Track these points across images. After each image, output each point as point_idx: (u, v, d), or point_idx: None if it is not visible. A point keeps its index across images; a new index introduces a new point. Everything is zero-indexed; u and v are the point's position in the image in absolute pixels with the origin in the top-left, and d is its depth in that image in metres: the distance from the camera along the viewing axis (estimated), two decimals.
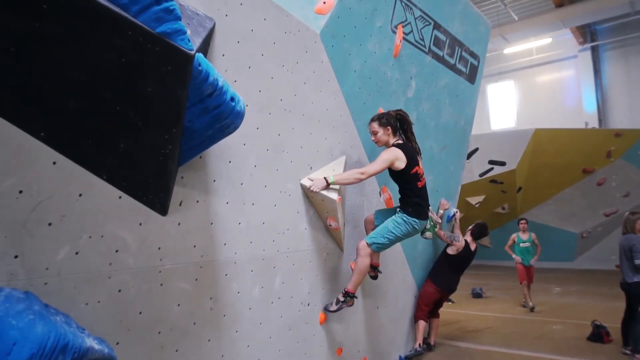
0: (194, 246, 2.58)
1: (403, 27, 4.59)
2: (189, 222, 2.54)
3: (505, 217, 14.65)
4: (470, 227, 6.54)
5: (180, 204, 2.47)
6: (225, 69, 2.76)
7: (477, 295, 10.26)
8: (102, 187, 2.07)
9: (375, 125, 3.91)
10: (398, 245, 5.13)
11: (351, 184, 3.76)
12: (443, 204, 5.93)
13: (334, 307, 3.71)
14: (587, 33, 17.66)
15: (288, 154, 3.37)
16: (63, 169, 1.94)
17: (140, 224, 2.27)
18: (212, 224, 2.70)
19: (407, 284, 5.50)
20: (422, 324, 5.62)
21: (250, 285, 2.99)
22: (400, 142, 3.91)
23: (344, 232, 3.99)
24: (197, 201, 2.59)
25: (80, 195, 2.01)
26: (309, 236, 3.61)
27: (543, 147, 13.08)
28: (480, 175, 13.42)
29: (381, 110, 4.30)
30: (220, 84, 2.10)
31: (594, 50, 17.72)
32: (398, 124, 3.95)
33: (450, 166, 6.05)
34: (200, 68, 1.96)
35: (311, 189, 3.47)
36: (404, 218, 3.78)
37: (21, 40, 1.62)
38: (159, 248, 2.37)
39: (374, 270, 4.19)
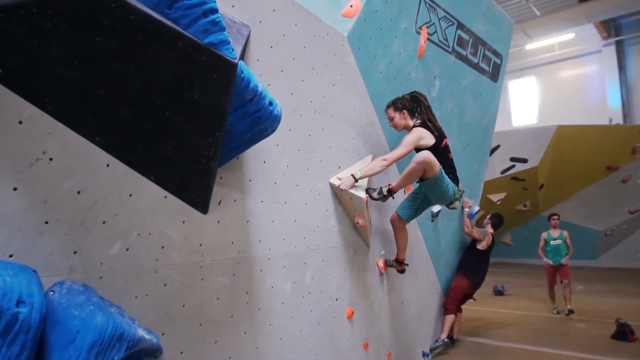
0: (232, 243, 2.71)
1: (427, 27, 4.66)
2: (227, 220, 2.67)
3: (526, 214, 14.57)
4: (487, 219, 6.61)
5: (219, 203, 2.61)
6: (260, 73, 2.88)
7: (499, 292, 10.25)
8: (150, 187, 2.21)
9: (390, 111, 4.05)
10: (422, 243, 5.23)
11: (377, 173, 3.83)
12: (467, 202, 5.99)
13: (375, 195, 3.79)
14: (611, 27, 17.37)
15: (318, 154, 3.48)
16: (115, 171, 2.08)
17: (184, 222, 2.40)
18: (248, 221, 2.83)
19: (430, 282, 5.58)
20: (451, 317, 5.74)
21: (283, 281, 3.12)
22: (419, 122, 4.02)
23: (370, 230, 4.09)
24: (235, 200, 2.72)
25: (130, 195, 2.15)
26: (337, 233, 3.72)
27: (565, 144, 12.96)
28: (502, 173, 13.36)
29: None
30: (259, 89, 2.23)
31: (619, 45, 17.43)
32: (414, 105, 4.07)
33: (473, 164, 6.10)
34: (242, 75, 2.08)
35: (340, 187, 3.58)
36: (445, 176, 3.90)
37: (83, 53, 1.76)
38: (200, 244, 2.51)
39: (400, 265, 4.32)
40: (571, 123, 14.64)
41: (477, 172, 6.29)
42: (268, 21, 3.01)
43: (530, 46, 17.63)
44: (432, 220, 5.41)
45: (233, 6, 2.76)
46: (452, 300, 5.84)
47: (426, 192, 4.08)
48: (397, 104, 4.02)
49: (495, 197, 13.76)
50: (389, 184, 3.86)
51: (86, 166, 1.99)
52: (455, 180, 4.06)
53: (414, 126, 4.00)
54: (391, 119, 4.06)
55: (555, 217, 8.89)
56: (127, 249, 2.14)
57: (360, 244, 4.03)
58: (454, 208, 4.27)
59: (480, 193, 6.62)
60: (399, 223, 4.26)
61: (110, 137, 2.00)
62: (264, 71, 2.95)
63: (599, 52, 17.76)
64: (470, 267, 6.08)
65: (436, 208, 5.39)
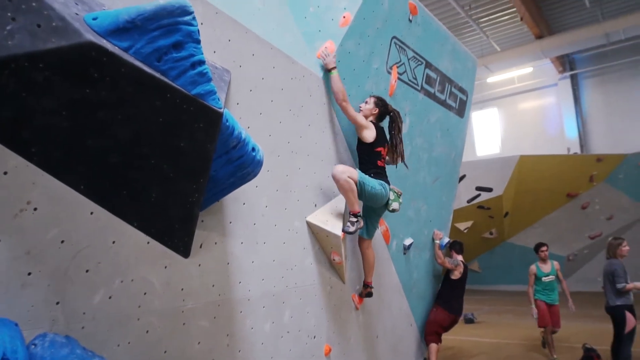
0: (213, 285, 2.71)
1: (397, 67, 4.84)
2: (208, 263, 2.68)
3: (493, 241, 14.92)
4: (450, 250, 6.69)
5: (200, 246, 2.62)
6: (240, 116, 2.94)
7: (469, 320, 10.38)
8: (133, 233, 2.21)
9: (371, 100, 4.26)
10: (395, 276, 5.31)
11: (334, 92, 3.93)
12: (437, 234, 6.14)
13: (351, 228, 3.79)
14: (566, 62, 18.32)
15: (295, 193, 3.54)
16: (99, 218, 2.08)
17: (166, 267, 2.41)
18: (228, 263, 2.84)
19: (404, 314, 5.64)
20: (433, 346, 6.01)
21: (262, 321, 3.12)
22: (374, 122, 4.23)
23: (346, 266, 4.14)
24: (216, 243, 2.74)
25: (113, 242, 2.15)
26: (314, 271, 3.76)
27: (528, 173, 13.46)
28: (468, 202, 13.71)
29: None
30: (243, 136, 2.29)
31: (573, 79, 18.36)
32: (387, 117, 4.29)
33: (442, 197, 6.27)
34: (227, 124, 2.14)
35: (322, 54, 3.87)
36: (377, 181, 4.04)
37: (73, 105, 1.78)
38: (182, 289, 2.51)
39: (366, 288, 4.36)
40: (532, 152, 15.24)
41: (446, 204, 6.46)
42: (248, 65, 3.09)
43: (491, 79, 18.37)
44: (404, 253, 5.51)
45: (215, 52, 2.83)
46: (430, 332, 6.03)
47: (361, 199, 4.13)
48: (379, 103, 4.26)
49: (463, 226, 14.07)
50: (350, 212, 3.90)
51: (70, 215, 1.99)
52: (383, 177, 4.17)
53: (371, 121, 4.22)
54: (366, 102, 4.28)
55: (544, 248, 7.37)
56: (110, 297, 2.13)
57: (336, 281, 4.07)
58: (393, 210, 4.28)
59: (450, 224, 6.78)
60: (362, 242, 4.31)
61: (96, 185, 2.01)
62: (244, 114, 3.01)
63: (556, 85, 18.64)
64: (447, 298, 6.26)
65: (408, 241, 5.50)
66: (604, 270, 6.01)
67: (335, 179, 3.77)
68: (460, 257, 6.62)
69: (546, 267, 7.25)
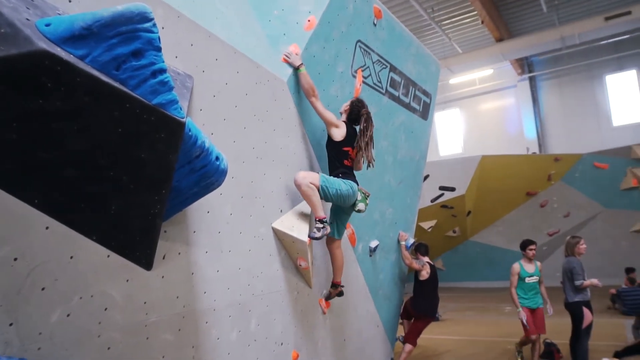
0: (177, 297, 2.64)
1: (362, 71, 4.85)
2: (171, 274, 2.61)
3: (456, 239, 15.24)
4: (415, 250, 6.89)
5: (163, 258, 2.55)
6: (203, 122, 2.88)
7: (434, 318, 10.53)
8: (92, 247, 2.12)
9: (348, 103, 4.32)
10: (361, 277, 5.32)
11: (303, 90, 3.98)
12: (402, 235, 6.21)
13: (317, 234, 3.74)
14: (524, 65, 18.89)
15: (260, 200, 3.50)
16: (55, 233, 1.99)
17: (127, 280, 2.33)
18: (192, 274, 2.77)
19: (370, 315, 5.66)
20: (409, 346, 6.53)
21: (228, 331, 3.07)
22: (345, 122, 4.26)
23: (313, 271, 4.12)
24: (179, 253, 2.67)
25: (71, 257, 2.06)
26: (281, 277, 3.72)
27: (490, 173, 13.81)
28: (432, 201, 13.95)
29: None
30: (206, 145, 2.23)
31: (532, 80, 18.95)
32: (360, 118, 4.26)
33: (407, 199, 6.33)
34: (190, 133, 2.08)
35: (287, 55, 3.87)
36: (338, 179, 4.03)
37: (24, 116, 1.69)
38: (145, 302, 2.43)
39: (336, 288, 4.33)
40: (493, 152, 15.63)
41: (411, 206, 6.53)
42: (211, 70, 3.03)
43: (453, 80, 18.74)
44: (370, 256, 5.54)
45: (176, 57, 2.76)
46: (403, 312, 6.79)
47: (329, 201, 4.12)
48: (354, 102, 4.29)
49: (426, 225, 14.30)
50: (315, 217, 3.84)
51: (24, 231, 1.89)
52: (350, 176, 4.17)
53: (343, 120, 4.26)
54: (346, 105, 4.34)
55: (533, 246, 6.70)
56: (68, 315, 2.04)
57: (303, 286, 4.05)
58: (359, 211, 4.28)
59: (414, 225, 6.86)
60: (332, 242, 4.28)
61: (51, 198, 1.92)
62: (207, 120, 2.95)
63: (515, 87, 19.20)
64: (415, 296, 6.70)
65: (374, 243, 5.53)
66: (563, 268, 6.20)
67: (296, 185, 3.74)
68: (426, 259, 6.77)
69: (530, 267, 6.59)
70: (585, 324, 5.97)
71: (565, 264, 6.21)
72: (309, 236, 3.72)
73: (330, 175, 4.10)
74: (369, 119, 4.29)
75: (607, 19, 13.29)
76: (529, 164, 14.34)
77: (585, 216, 14.25)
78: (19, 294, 1.86)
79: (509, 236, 14.76)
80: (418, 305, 6.67)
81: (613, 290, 10.44)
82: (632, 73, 17.44)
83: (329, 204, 4.31)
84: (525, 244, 6.74)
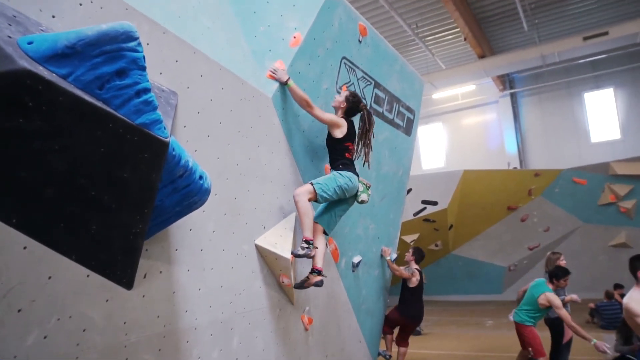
0: (158, 317, 2.60)
1: (347, 87, 4.88)
2: (152, 293, 2.57)
3: (438, 253, 15.31)
4: (409, 256, 7.19)
5: (144, 277, 2.51)
6: (186, 139, 2.86)
7: (416, 332, 10.50)
8: (71, 267, 2.08)
9: (344, 93, 4.33)
10: (344, 293, 5.31)
11: (297, 102, 4.04)
12: (385, 250, 6.23)
13: (300, 252, 3.71)
14: (506, 81, 19.22)
15: (243, 217, 3.48)
16: (33, 253, 1.95)
17: (107, 301, 2.29)
18: (174, 292, 2.74)
19: (353, 331, 5.64)
20: (388, 336, 6.94)
21: (209, 349, 3.02)
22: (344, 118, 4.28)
23: None
24: (161, 272, 2.64)
25: (49, 278, 2.02)
26: (263, 294, 3.69)
27: (471, 187, 13.94)
28: (414, 215, 14.01)
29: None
30: (190, 164, 2.21)
31: (513, 97, 19.28)
32: (359, 115, 4.33)
33: (390, 214, 6.35)
34: (174, 153, 2.06)
35: (272, 73, 3.89)
36: (342, 172, 4.06)
37: (3, 134, 1.66)
38: (125, 322, 2.38)
39: (319, 275, 4.01)
40: (475, 166, 15.81)
41: (394, 221, 6.55)
42: (195, 87, 3.02)
43: (436, 95, 18.96)
44: (353, 271, 5.53)
45: (161, 73, 2.74)
46: (386, 325, 6.74)
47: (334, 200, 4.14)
48: (350, 98, 4.29)
49: (409, 238, 14.34)
50: (303, 238, 3.81)
51: (0, 251, 1.85)
52: (351, 167, 4.20)
53: (341, 117, 4.27)
54: (339, 94, 4.38)
55: (568, 277, 5.97)
56: (45, 337, 1.99)
57: (285, 303, 4.02)
58: (362, 202, 4.28)
59: (397, 240, 6.89)
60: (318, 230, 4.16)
61: (30, 218, 1.88)
62: (191, 137, 2.93)
63: (497, 102, 19.50)
64: (403, 303, 6.94)
65: (356, 259, 5.53)
66: None
67: (295, 200, 3.79)
68: (415, 266, 7.03)
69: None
70: (565, 339, 6.03)
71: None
72: (292, 253, 3.70)
73: (331, 167, 4.16)
74: (370, 115, 4.36)
75: (585, 38, 13.61)
76: (510, 178, 14.52)
77: (565, 231, 14.45)
78: None
79: (491, 250, 14.89)
80: (407, 312, 6.95)
81: (592, 305, 10.58)
82: (609, 91, 17.84)
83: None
84: (560, 274, 5.88)
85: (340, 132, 4.17)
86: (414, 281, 6.87)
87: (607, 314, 10.04)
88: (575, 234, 14.34)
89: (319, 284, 3.98)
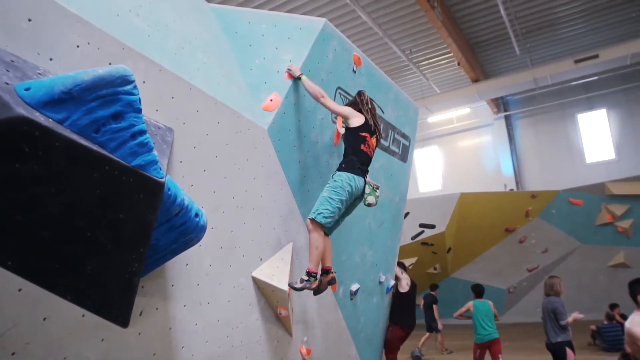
0: (154, 354, 2.58)
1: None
2: (149, 330, 2.55)
3: (437, 277, 15.21)
4: (397, 269, 7.14)
5: (140, 314, 2.50)
6: (182, 175, 2.89)
7: (416, 358, 10.42)
8: (66, 307, 2.08)
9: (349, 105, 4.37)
10: (342, 322, 5.26)
11: (311, 95, 4.09)
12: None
13: (298, 285, 3.66)
14: (500, 104, 19.44)
15: (240, 249, 3.48)
16: (28, 294, 1.95)
17: (103, 340, 2.27)
18: (170, 329, 2.72)
19: (352, 359, 5.59)
20: None
21: None
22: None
23: (293, 319, 4.07)
24: (157, 308, 2.62)
25: (44, 319, 2.01)
26: (260, 327, 3.67)
27: (468, 210, 13.95)
28: (412, 238, 13.99)
29: None
30: (186, 202, 2.23)
31: (507, 119, 19.48)
32: (366, 106, 4.28)
33: (387, 241, 6.34)
34: (169, 192, 2.08)
35: (290, 70, 4.03)
36: (336, 177, 3.90)
37: (1, 180, 1.68)
38: None
39: (327, 275, 3.96)
40: (471, 189, 15.85)
41: (392, 248, 6.54)
42: (191, 122, 3.05)
43: (431, 119, 19.13)
44: (351, 299, 5.50)
45: (157, 110, 2.78)
46: (391, 350, 6.66)
47: (344, 212, 4.09)
48: (354, 102, 4.35)
49: (407, 262, 14.24)
50: (307, 269, 3.78)
51: None
52: (357, 165, 4.00)
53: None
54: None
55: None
56: None
57: (282, 334, 3.98)
58: (369, 204, 4.11)
59: (395, 267, 6.86)
60: (318, 231, 3.91)
61: (25, 261, 1.88)
62: (187, 172, 2.95)
63: (492, 125, 19.69)
64: (399, 313, 6.84)
65: (354, 287, 5.50)
66: (544, 308, 6.23)
67: (308, 229, 3.78)
68: (406, 276, 7.17)
69: None
70: None
71: (546, 304, 6.23)
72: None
73: (341, 162, 4.06)
74: (371, 100, 4.38)
75: (576, 61, 13.82)
76: (506, 200, 14.56)
77: (563, 251, 14.43)
78: None
79: (490, 272, 14.82)
80: (398, 317, 6.86)
81: (593, 327, 10.50)
82: (602, 112, 18.04)
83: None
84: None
85: (356, 121, 4.11)
86: (404, 285, 6.95)
87: (609, 336, 9.96)
88: (574, 254, 14.32)
89: (333, 282, 4.01)
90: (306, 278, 3.72)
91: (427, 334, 11.23)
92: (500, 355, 7.43)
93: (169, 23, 3.24)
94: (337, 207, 3.81)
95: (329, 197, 3.80)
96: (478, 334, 7.59)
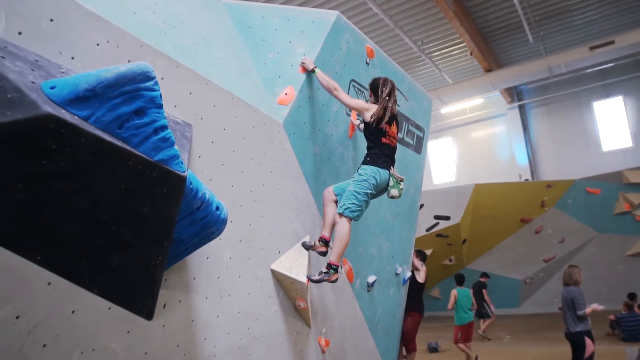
0: (177, 346, 2.63)
1: None
2: (172, 323, 2.60)
3: (452, 268, 15.17)
4: (414, 256, 7.35)
5: (164, 307, 2.55)
6: (201, 169, 2.92)
7: (433, 349, 10.44)
8: (93, 300, 2.13)
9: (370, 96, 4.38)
10: (359, 313, 5.29)
11: (325, 88, 4.10)
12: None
13: (316, 277, 3.73)
14: (514, 93, 19.23)
15: (258, 242, 3.51)
16: (57, 288, 2.00)
17: (128, 332, 2.32)
18: (193, 321, 2.77)
19: (369, 351, 5.61)
20: (414, 354, 7.06)
21: None
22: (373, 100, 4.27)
23: (311, 310, 4.10)
24: (179, 301, 2.67)
25: (72, 312, 2.06)
26: (280, 319, 3.71)
27: (483, 201, 13.87)
28: (427, 230, 13.96)
29: None
30: (207, 196, 2.26)
31: (521, 109, 19.26)
32: (384, 91, 4.19)
33: (403, 232, 6.35)
34: (191, 186, 2.12)
35: (303, 63, 4.04)
36: (361, 171, 3.95)
37: (29, 177, 1.72)
38: (146, 353, 2.42)
39: (325, 245, 3.99)
40: (486, 179, 15.75)
41: (407, 239, 6.55)
42: (209, 117, 3.09)
43: (444, 110, 19.00)
44: (368, 291, 5.52)
45: (175, 106, 2.81)
46: (412, 340, 6.98)
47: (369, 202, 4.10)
48: (371, 84, 4.35)
49: None
50: (328, 261, 3.84)
51: (26, 288, 1.90)
52: (382, 159, 4.05)
53: (372, 102, 4.25)
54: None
55: None
56: None
57: (302, 326, 4.02)
58: (392, 197, 4.14)
59: (411, 258, 6.87)
60: (332, 197, 4.10)
61: (53, 255, 1.93)
62: (206, 167, 2.99)
63: (505, 115, 19.49)
64: (416, 302, 7.14)
65: (371, 278, 5.52)
66: (563, 298, 6.20)
67: (335, 222, 3.85)
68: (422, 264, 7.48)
69: None
70: (587, 353, 5.94)
71: (565, 293, 6.20)
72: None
73: (365, 156, 4.09)
74: (393, 87, 4.26)
75: (591, 48, 13.61)
76: (522, 191, 14.44)
77: (580, 241, 14.30)
78: (20, 353, 1.86)
79: (506, 263, 14.75)
80: (421, 308, 7.24)
81: (612, 317, 10.41)
82: (618, 99, 17.76)
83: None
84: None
85: (369, 115, 4.09)
86: (423, 276, 7.27)
87: (628, 326, 9.88)
88: (591, 244, 14.19)
89: (323, 254, 4.01)
90: (325, 270, 3.76)
91: (483, 319, 11.58)
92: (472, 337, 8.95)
93: (184, 20, 3.27)
94: (364, 201, 3.89)
95: (355, 192, 3.88)
96: (460, 317, 8.84)
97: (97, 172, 1.85)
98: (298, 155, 4.12)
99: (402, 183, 4.14)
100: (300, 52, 4.23)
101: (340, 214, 3.83)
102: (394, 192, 4.10)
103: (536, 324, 12.57)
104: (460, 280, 9.48)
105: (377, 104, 4.16)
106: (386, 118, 4.08)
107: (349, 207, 3.83)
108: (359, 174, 3.95)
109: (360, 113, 4.21)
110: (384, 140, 4.09)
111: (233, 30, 4.03)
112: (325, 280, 3.76)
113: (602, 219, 13.91)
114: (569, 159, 18.03)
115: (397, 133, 4.31)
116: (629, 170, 13.72)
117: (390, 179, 4.07)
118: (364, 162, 4.04)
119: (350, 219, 3.84)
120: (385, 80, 4.28)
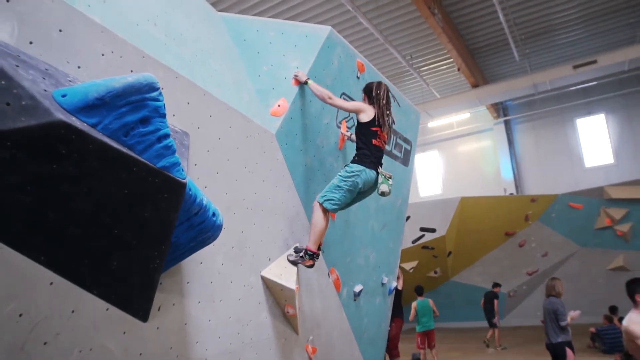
0: (171, 348, 2.70)
1: (347, 122, 5.07)
2: (166, 325, 2.68)
3: (437, 280, 15.35)
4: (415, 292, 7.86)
5: (159, 309, 2.62)
6: (197, 177, 3.02)
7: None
8: (92, 301, 2.20)
9: (363, 97, 4.45)
10: (346, 322, 5.38)
11: (319, 97, 4.22)
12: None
13: (292, 258, 3.87)
14: (500, 109, 19.62)
15: (250, 249, 3.61)
16: (58, 288, 2.07)
17: (124, 333, 2.40)
18: (186, 324, 2.84)
19: (355, 359, 5.69)
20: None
21: None
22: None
23: (300, 317, 4.19)
24: (173, 304, 2.75)
25: (72, 312, 2.13)
26: (269, 325, 3.79)
27: (469, 214, 14.09)
28: (413, 242, 14.13)
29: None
30: (204, 202, 2.36)
31: (507, 124, 19.65)
32: (378, 93, 4.31)
33: (390, 243, 6.47)
34: (190, 192, 2.21)
35: (296, 75, 4.16)
36: (348, 168, 4.07)
37: (38, 179, 1.81)
38: (140, 354, 2.49)
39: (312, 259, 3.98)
40: (472, 193, 16.00)
41: (394, 250, 6.67)
42: (205, 126, 3.19)
43: (432, 124, 19.32)
44: (355, 300, 5.62)
45: (174, 115, 2.91)
46: (396, 346, 7.52)
47: (353, 202, 4.26)
48: (365, 89, 4.46)
49: (408, 266, 14.42)
50: (305, 247, 3.96)
51: (29, 287, 1.97)
52: (370, 159, 4.14)
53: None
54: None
55: None
56: None
57: (290, 333, 4.10)
58: (382, 193, 4.23)
59: (397, 269, 6.99)
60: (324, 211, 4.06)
61: (56, 256, 2.01)
62: (202, 174, 3.09)
63: (491, 130, 19.86)
64: (399, 308, 7.81)
65: (358, 288, 5.62)
66: (545, 309, 6.36)
67: (313, 209, 3.98)
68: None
69: None
70: None
71: (547, 305, 6.36)
72: (287, 258, 3.90)
73: (354, 155, 4.19)
74: (388, 93, 4.38)
75: (575, 67, 13.99)
76: (506, 204, 14.70)
77: (563, 255, 14.57)
78: (22, 350, 1.93)
79: (490, 276, 14.94)
80: (399, 311, 7.87)
81: (593, 329, 10.61)
82: (600, 117, 18.22)
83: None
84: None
85: (366, 116, 4.18)
86: (401, 283, 7.96)
87: (608, 338, 10.07)
88: (574, 258, 14.46)
89: (310, 267, 4.04)
90: (301, 255, 3.91)
91: (490, 329, 11.93)
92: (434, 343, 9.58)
93: (183, 32, 3.38)
94: (344, 196, 3.99)
95: (338, 186, 4.00)
96: (420, 324, 9.56)
97: (103, 177, 1.94)
98: (289, 165, 4.23)
99: (391, 179, 4.26)
100: (294, 66, 4.36)
101: (320, 204, 3.96)
102: (383, 187, 4.20)
103: (520, 337, 12.74)
104: (419, 292, 10.03)
105: (372, 106, 4.30)
106: (384, 117, 4.25)
107: (330, 200, 3.95)
108: (345, 170, 4.08)
109: (357, 114, 4.32)
110: (374, 141, 4.22)
111: (229, 43, 4.15)
112: (300, 264, 3.91)
113: (584, 234, 14.20)
114: (553, 174, 18.40)
115: (388, 139, 4.46)
116: (610, 186, 14.05)
117: (379, 176, 4.20)
118: (352, 161, 4.18)
119: (327, 210, 3.95)
120: (379, 84, 4.44)
